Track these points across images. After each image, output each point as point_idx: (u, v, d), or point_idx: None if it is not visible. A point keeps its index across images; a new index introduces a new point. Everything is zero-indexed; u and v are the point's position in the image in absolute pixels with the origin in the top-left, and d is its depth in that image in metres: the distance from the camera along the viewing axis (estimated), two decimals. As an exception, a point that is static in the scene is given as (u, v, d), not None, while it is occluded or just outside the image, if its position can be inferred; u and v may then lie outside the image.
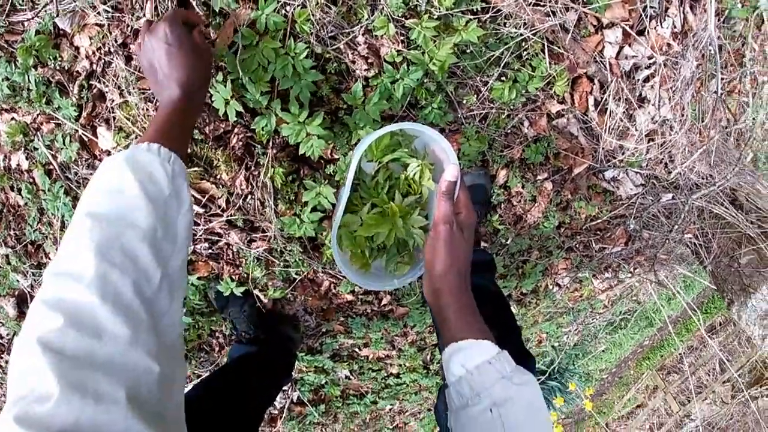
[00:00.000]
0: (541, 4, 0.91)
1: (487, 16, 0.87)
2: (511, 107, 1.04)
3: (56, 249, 1.25)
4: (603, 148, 1.27)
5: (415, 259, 0.73)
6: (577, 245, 1.62)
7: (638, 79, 1.22)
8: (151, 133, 0.55)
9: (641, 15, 1.11)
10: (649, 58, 1.18)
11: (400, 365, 1.65)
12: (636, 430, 3.81)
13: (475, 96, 0.98)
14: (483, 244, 1.31)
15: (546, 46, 0.97)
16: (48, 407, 0.31)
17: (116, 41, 0.93)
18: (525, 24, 0.91)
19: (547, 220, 1.33)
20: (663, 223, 1.71)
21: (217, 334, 1.28)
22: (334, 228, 0.66)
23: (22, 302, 1.39)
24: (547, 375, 2.57)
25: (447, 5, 0.82)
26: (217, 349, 1.32)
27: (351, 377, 1.69)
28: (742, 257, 1.85)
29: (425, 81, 0.90)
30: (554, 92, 1.05)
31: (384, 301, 1.40)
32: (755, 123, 1.50)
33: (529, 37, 0.92)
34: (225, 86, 0.85)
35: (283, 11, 0.84)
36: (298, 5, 0.84)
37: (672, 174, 1.44)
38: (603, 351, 3.36)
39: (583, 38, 1.05)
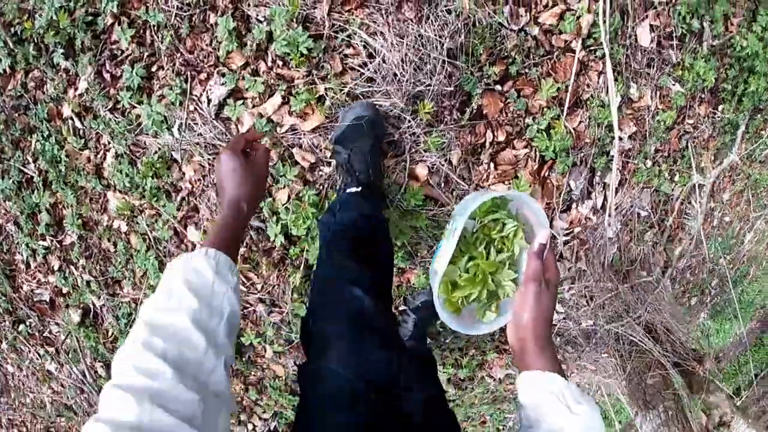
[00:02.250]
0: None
1: (433, 212, 1.45)
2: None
3: (132, 288, 1.76)
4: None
5: (501, 309, 0.79)
6: (509, 351, 2.11)
7: (558, 243, 1.76)
8: (209, 237, 0.71)
9: (565, 199, 1.63)
10: (569, 228, 1.72)
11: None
12: None
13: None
14: (429, 340, 1.83)
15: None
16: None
17: (213, 180, 1.50)
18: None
19: (479, 332, 1.84)
20: (582, 344, 2.20)
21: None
22: (439, 275, 0.74)
23: (86, 314, 1.84)
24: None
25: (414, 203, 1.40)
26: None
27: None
28: (649, 378, 2.28)
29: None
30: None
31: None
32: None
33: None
34: (276, 225, 1.44)
35: (317, 190, 1.44)
36: (312, 193, 1.43)
37: (579, 312, 1.95)
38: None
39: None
